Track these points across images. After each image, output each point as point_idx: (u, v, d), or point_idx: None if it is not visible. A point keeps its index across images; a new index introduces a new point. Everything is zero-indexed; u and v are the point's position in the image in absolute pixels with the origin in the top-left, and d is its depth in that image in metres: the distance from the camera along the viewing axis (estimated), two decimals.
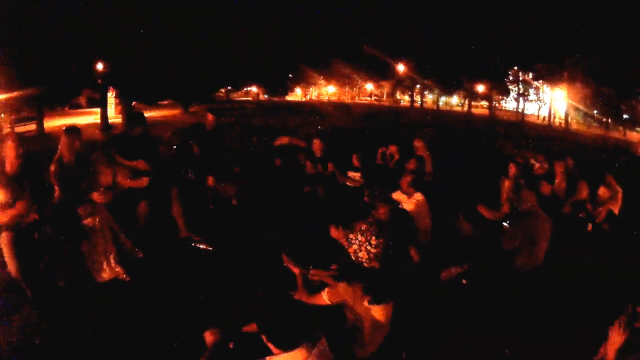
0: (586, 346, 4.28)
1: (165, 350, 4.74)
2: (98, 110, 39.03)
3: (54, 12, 25.61)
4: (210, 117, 9.14)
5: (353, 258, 4.27)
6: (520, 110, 52.85)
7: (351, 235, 4.36)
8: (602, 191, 9.13)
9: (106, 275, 6.25)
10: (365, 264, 4.22)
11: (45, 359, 4.82)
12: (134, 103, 33.94)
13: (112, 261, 6.30)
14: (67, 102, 44.62)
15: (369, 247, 4.21)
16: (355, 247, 4.27)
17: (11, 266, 5.63)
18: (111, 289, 6.09)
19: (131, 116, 7.77)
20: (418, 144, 10.01)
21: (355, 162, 9.76)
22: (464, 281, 6.00)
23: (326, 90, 73.60)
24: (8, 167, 5.73)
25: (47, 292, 5.76)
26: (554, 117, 51.44)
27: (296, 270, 4.82)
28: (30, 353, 4.87)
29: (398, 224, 5.81)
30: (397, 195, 7.12)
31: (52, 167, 6.22)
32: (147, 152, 7.41)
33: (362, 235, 4.28)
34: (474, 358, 4.95)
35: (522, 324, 5.36)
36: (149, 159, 7.32)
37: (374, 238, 4.22)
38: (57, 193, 6.28)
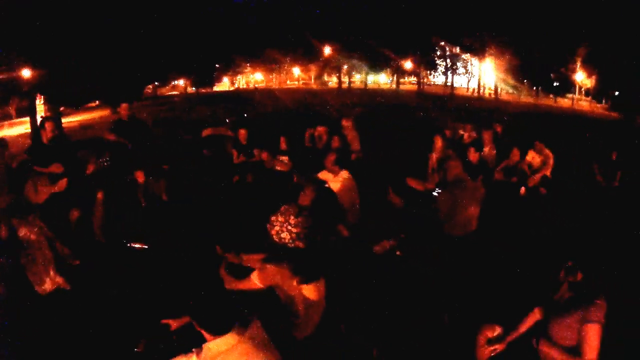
0: (520, 308, 4.42)
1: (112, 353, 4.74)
2: (26, 119, 38.23)
3: None
4: (123, 106, 9.25)
5: (276, 240, 4.28)
6: (449, 84, 53.77)
7: (272, 218, 4.38)
8: (532, 156, 9.43)
9: (48, 286, 6.13)
10: (289, 244, 4.24)
11: None
12: (61, 108, 33.24)
13: (52, 272, 6.18)
14: None
15: (289, 227, 4.23)
16: (277, 228, 4.28)
17: None
18: (54, 299, 6.02)
19: (41, 122, 7.70)
20: (345, 123, 10.12)
21: (283, 145, 9.82)
22: (398, 253, 6.08)
23: (254, 78, 73.56)
24: None
25: None
26: (484, 89, 52.61)
27: (235, 259, 4.85)
28: None
29: (319, 202, 5.85)
30: (323, 175, 7.17)
31: None
32: (60, 156, 7.38)
33: (281, 215, 4.30)
34: (413, 328, 5.05)
35: (459, 291, 5.50)
36: (62, 161, 7.28)
37: (292, 217, 4.24)
38: None
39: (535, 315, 4.20)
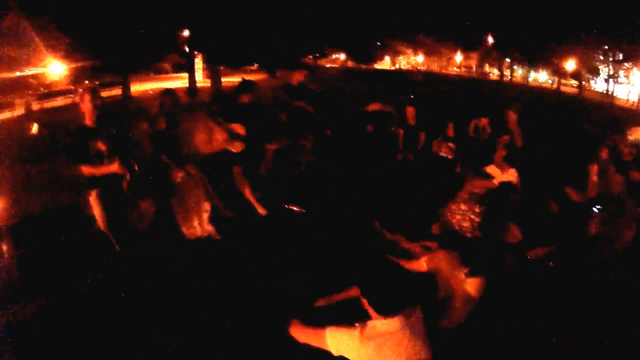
0: None
1: (255, 311, 4.75)
2: (183, 75, 39.97)
3: None
4: (296, 75, 8.83)
5: (457, 228, 4.22)
6: (609, 92, 50.46)
7: (453, 206, 4.31)
8: None
9: (197, 232, 6.31)
10: (468, 234, 4.17)
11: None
12: (220, 67, 34.41)
13: (204, 219, 6.35)
14: (151, 67, 45.99)
15: (472, 216, 4.17)
16: (458, 217, 4.22)
17: (100, 221, 5.72)
18: (200, 246, 6.16)
19: (241, 84, 7.56)
20: (510, 117, 9.75)
21: (450, 131, 9.61)
22: (550, 263, 5.80)
23: (415, 59, 72.61)
24: (87, 120, 5.73)
25: (134, 247, 5.88)
26: None
27: (395, 237, 4.85)
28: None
29: (502, 195, 5.70)
30: (491, 169, 6.94)
31: (144, 126, 6.34)
32: (247, 119, 7.27)
33: (465, 204, 4.22)
34: (551, 342, 4.84)
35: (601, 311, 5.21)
36: (247, 125, 7.19)
37: (477, 206, 4.17)
38: (148, 151, 6.37)
39: None
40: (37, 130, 21.68)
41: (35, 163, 12.91)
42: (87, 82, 39.29)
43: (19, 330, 4.68)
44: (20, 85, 37.57)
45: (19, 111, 31.90)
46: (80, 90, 6.07)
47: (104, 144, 5.69)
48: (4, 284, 5.40)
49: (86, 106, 5.69)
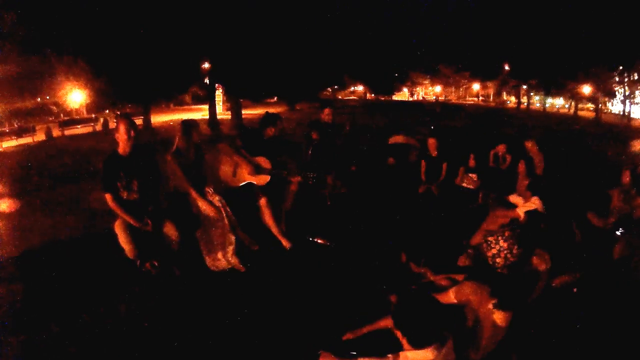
0: None
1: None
2: (203, 107, 40.54)
3: (160, 11, 26.57)
4: (327, 111, 8.79)
5: (490, 262, 4.16)
6: (626, 113, 49.83)
7: (490, 238, 4.25)
8: None
9: (221, 264, 6.23)
10: (499, 270, 4.13)
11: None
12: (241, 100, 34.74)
13: (229, 252, 6.26)
14: (173, 99, 46.60)
15: (508, 255, 4.10)
16: (494, 251, 4.16)
17: (127, 250, 5.56)
18: (224, 278, 6.06)
19: (265, 117, 7.54)
20: (529, 145, 9.63)
21: (472, 162, 9.53)
22: (574, 290, 5.68)
23: (432, 90, 72.80)
24: (120, 148, 5.68)
25: (159, 276, 5.69)
26: None
27: (421, 270, 4.83)
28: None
29: (536, 229, 5.61)
30: (513, 198, 6.88)
31: (169, 157, 6.20)
32: (272, 152, 7.21)
33: (504, 241, 4.17)
34: None
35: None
36: (272, 159, 7.13)
37: (516, 247, 4.11)
38: (172, 182, 6.31)
39: None
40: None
41: (56, 188, 13.10)
42: (107, 111, 40.24)
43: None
44: (41, 112, 38.19)
45: (40, 137, 32.28)
46: (116, 118, 6.01)
47: (134, 175, 5.70)
48: (20, 310, 5.32)
49: (122, 136, 5.64)
